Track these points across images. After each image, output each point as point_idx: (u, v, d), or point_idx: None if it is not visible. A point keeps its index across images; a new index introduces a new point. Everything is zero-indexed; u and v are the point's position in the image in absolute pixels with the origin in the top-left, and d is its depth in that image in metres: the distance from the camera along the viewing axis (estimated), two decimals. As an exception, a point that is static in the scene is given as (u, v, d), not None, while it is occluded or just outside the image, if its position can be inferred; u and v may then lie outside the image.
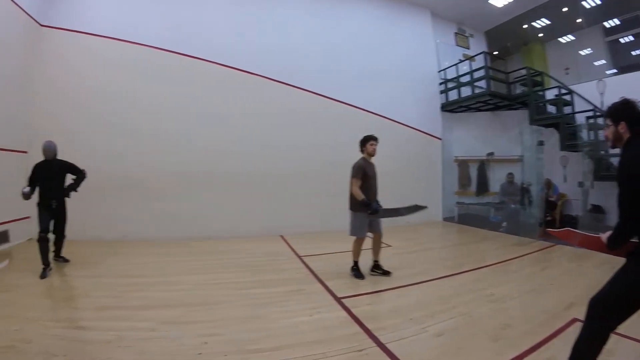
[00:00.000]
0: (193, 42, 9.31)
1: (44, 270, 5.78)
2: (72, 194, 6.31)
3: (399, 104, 10.97)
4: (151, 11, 9.34)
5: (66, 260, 6.60)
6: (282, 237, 8.70)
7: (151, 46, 9.15)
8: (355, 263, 5.49)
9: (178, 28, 9.34)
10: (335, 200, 8.90)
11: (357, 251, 5.46)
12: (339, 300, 4.36)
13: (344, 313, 3.94)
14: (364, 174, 5.36)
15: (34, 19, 8.43)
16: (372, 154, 5.59)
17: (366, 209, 5.17)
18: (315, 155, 9.65)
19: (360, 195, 5.17)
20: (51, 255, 6.22)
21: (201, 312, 4.24)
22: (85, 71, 8.94)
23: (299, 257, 6.58)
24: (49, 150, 6.12)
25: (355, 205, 5.32)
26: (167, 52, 9.19)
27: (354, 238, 5.46)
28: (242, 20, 9.73)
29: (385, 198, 5.76)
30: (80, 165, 6.41)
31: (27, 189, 5.86)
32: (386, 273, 5.49)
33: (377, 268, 5.56)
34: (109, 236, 8.61)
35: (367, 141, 5.59)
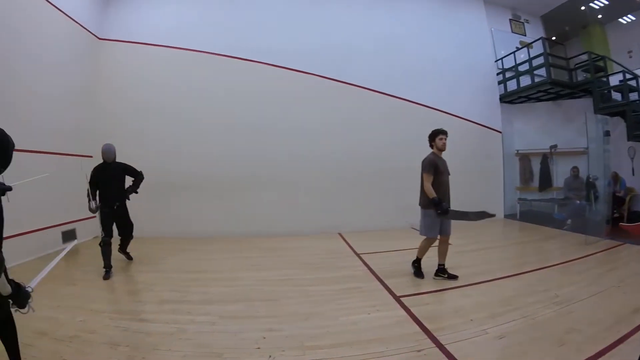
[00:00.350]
0: (247, 46, 9.52)
1: (106, 272, 5.93)
2: (135, 197, 6.45)
3: (455, 97, 10.53)
4: (205, 18, 9.74)
5: (130, 258, 6.85)
6: (340, 234, 8.64)
7: (207, 52, 9.58)
8: (418, 260, 5.25)
9: (232, 32, 9.62)
10: (392, 198, 8.93)
11: (423, 248, 5.20)
12: (397, 299, 4.27)
13: (402, 312, 3.86)
14: (436, 169, 5.04)
15: (93, 34, 9.27)
16: (442, 149, 5.22)
17: (436, 207, 4.88)
18: (372, 152, 9.48)
19: (432, 193, 4.87)
20: (116, 248, 6.46)
21: (260, 307, 4.28)
22: (143, 78, 9.62)
23: (357, 255, 6.51)
24: (109, 152, 6.22)
25: (426, 202, 5.03)
26: (224, 57, 9.54)
27: (423, 237, 5.20)
28: (295, 20, 9.76)
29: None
30: (139, 167, 6.58)
31: (93, 204, 5.97)
32: (452, 277, 5.06)
33: (442, 272, 5.13)
34: (171, 233, 9.06)
35: (436, 135, 5.22)
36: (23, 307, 2.67)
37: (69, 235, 8.00)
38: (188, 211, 9.27)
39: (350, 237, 8.15)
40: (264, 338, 3.41)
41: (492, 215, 5.52)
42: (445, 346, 3.10)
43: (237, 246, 7.90)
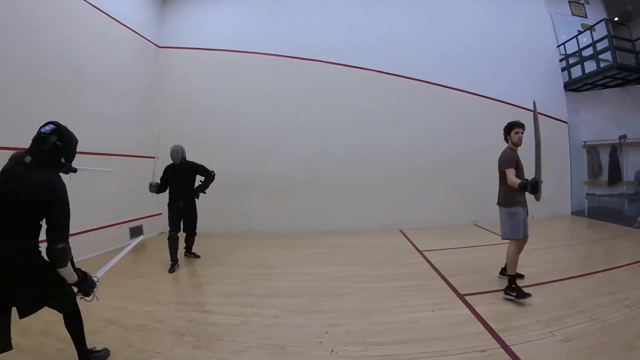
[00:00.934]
0: (298, 44, 9.67)
1: (172, 265, 6.26)
2: (201, 195, 6.67)
3: (516, 87, 9.79)
4: (256, 20, 10.03)
5: (197, 257, 7.08)
6: (401, 231, 8.52)
7: (261, 53, 9.87)
8: (513, 278, 4.26)
9: (284, 32, 9.82)
10: (454, 193, 8.74)
11: (514, 256, 4.38)
12: (462, 297, 4.20)
13: (466, 311, 3.79)
14: (517, 164, 4.53)
15: (153, 43, 10.02)
16: (517, 144, 4.65)
17: (530, 189, 4.13)
18: (432, 146, 9.24)
19: (516, 181, 4.25)
20: (182, 251, 6.75)
21: (323, 302, 4.34)
22: (201, 82, 10.11)
23: (420, 252, 6.43)
24: (176, 153, 6.45)
25: (510, 198, 4.49)
26: (276, 57, 9.77)
27: (506, 241, 4.58)
28: (350, 17, 9.69)
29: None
30: (209, 166, 6.74)
31: (154, 182, 6.33)
32: (518, 276, 4.62)
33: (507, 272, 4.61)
34: (236, 230, 9.45)
35: (512, 128, 4.69)
36: (88, 294, 2.94)
37: (136, 231, 8.54)
38: (251, 209, 9.62)
39: (412, 234, 8.03)
40: (327, 333, 3.47)
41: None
42: (511, 347, 3.02)
43: (299, 243, 8.05)
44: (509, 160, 4.51)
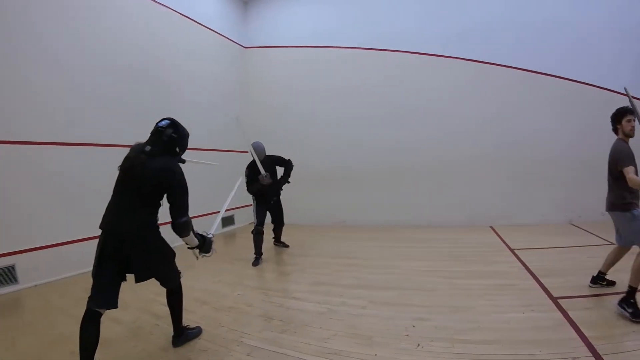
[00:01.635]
0: (385, 36, 9.46)
1: (256, 259, 6.49)
2: (289, 187, 6.93)
3: (624, 70, 8.11)
4: (340, 14, 10.04)
5: (286, 246, 7.43)
6: (491, 228, 8.12)
7: (347, 47, 9.89)
8: (633, 292, 3.52)
9: (370, 25, 9.67)
10: (548, 190, 8.17)
11: None
12: (554, 300, 3.97)
13: (559, 315, 3.58)
14: (633, 160, 3.74)
15: (239, 44, 10.91)
16: (630, 134, 3.88)
17: None
18: (526, 139, 8.37)
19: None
20: (270, 241, 7.17)
21: (411, 296, 4.35)
22: (287, 78, 10.58)
23: (511, 250, 6.17)
24: (257, 150, 6.60)
25: (628, 200, 3.78)
26: (362, 50, 9.71)
27: (627, 249, 4.03)
28: (434, 3, 9.16)
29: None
30: (300, 160, 7.11)
31: (266, 173, 6.44)
32: (611, 283, 4.22)
33: (601, 280, 4.23)
34: (323, 222, 9.73)
35: (623, 116, 3.91)
36: (208, 252, 3.43)
37: (228, 221, 9.21)
38: (338, 201, 9.82)
39: (503, 230, 7.66)
40: (414, 326, 3.49)
41: None
42: (603, 357, 2.81)
43: (386, 235, 8.08)
44: (628, 157, 3.76)
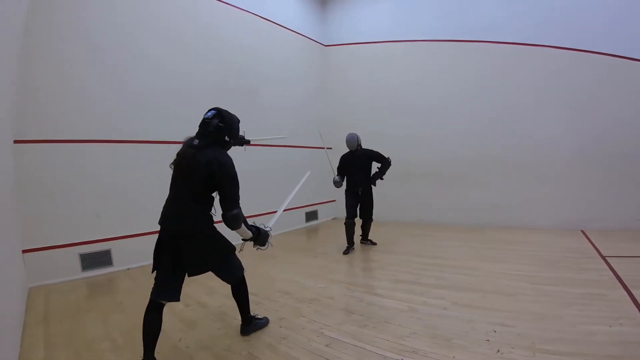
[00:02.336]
0: (464, 26, 9.18)
1: (347, 248, 6.87)
2: (378, 181, 6.94)
3: None
4: (420, 7, 9.85)
5: (373, 244, 7.44)
6: (582, 232, 7.57)
7: (425, 40, 9.78)
8: None
9: (450, 16, 9.43)
10: None
11: None
12: None
13: None
14: None
15: (320, 43, 11.32)
16: None
17: None
18: (628, 132, 7.47)
19: None
20: (357, 238, 7.20)
21: (494, 300, 4.29)
22: (367, 73, 10.76)
23: (603, 257, 5.80)
24: (351, 141, 6.87)
25: None
26: (445, 42, 9.51)
27: None
28: None
29: None
30: (393, 154, 7.04)
31: (338, 177, 6.78)
32: None
33: None
34: (408, 219, 9.80)
35: None
36: (263, 244, 3.49)
37: (311, 216, 9.54)
38: (423, 198, 9.79)
39: (595, 235, 7.16)
40: (495, 332, 3.46)
41: None
42: None
43: (471, 236, 7.94)
44: None
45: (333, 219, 10.84)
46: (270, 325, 3.93)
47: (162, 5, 7.36)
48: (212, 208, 3.29)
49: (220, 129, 3.27)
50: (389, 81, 10.41)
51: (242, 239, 3.46)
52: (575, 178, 7.94)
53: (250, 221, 3.43)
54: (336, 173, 6.98)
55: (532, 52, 8.28)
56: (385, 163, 6.90)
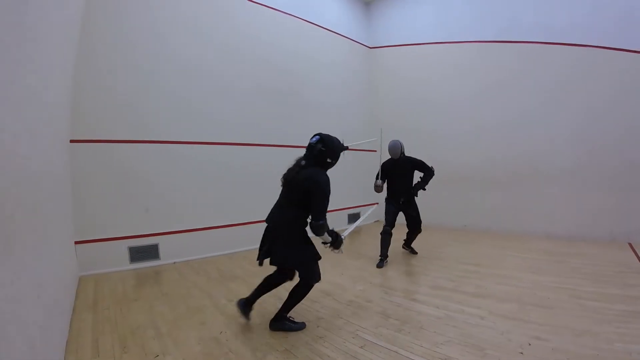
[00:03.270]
0: (520, 27, 8.82)
1: (381, 260, 6.52)
2: (420, 191, 6.85)
3: None
4: (463, 8, 9.77)
5: (414, 252, 7.29)
6: (630, 245, 7.22)
7: (470, 41, 9.64)
8: None
9: (492, 17, 9.26)
10: None
11: None
12: None
13: None
14: None
15: (365, 45, 11.46)
16: None
17: None
18: None
19: None
20: (396, 243, 7.17)
21: (532, 312, 4.25)
22: (413, 75, 10.74)
23: None
24: (394, 148, 6.68)
25: None
26: (495, 43, 9.28)
27: None
28: None
29: None
30: (427, 158, 6.94)
31: (379, 182, 6.69)
32: None
33: None
34: (451, 224, 9.75)
35: None
36: (337, 248, 4.11)
37: (354, 217, 9.73)
38: (467, 203, 9.69)
39: None
40: (530, 345, 3.46)
41: None
42: None
43: (514, 244, 7.80)
44: None
45: (375, 221, 10.88)
46: (308, 324, 4.07)
47: (202, 9, 7.68)
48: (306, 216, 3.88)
49: (322, 153, 3.91)
50: (434, 82, 10.36)
51: (323, 242, 4.09)
52: (624, 186, 7.58)
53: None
54: (378, 180, 6.76)
55: (591, 53, 7.87)
56: (429, 172, 6.74)
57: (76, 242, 5.96)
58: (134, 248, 6.58)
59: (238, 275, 6.17)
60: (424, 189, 6.84)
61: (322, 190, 3.73)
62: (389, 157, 6.85)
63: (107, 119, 6.38)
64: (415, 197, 6.86)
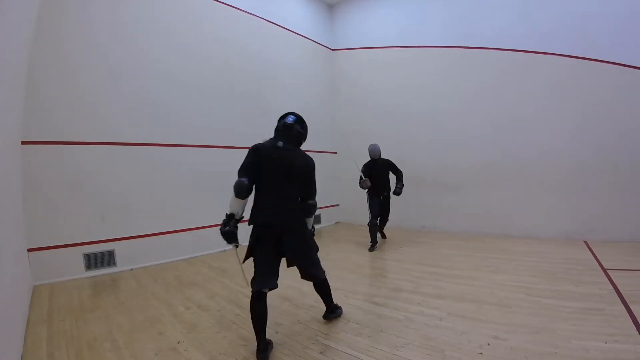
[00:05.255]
0: (474, 33, 9.02)
1: (372, 246, 7.70)
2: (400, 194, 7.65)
3: None
4: (428, 13, 9.81)
5: (384, 237, 8.66)
6: (585, 242, 7.38)
7: (433, 46, 9.71)
8: None
9: (458, 23, 9.35)
10: None
11: None
12: None
13: None
14: None
15: (327, 47, 11.51)
16: None
17: None
18: (625, 141, 7.28)
19: None
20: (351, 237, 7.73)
21: (490, 311, 4.28)
22: (377, 77, 10.81)
23: (604, 269, 5.68)
24: (375, 151, 7.67)
25: None
26: (451, 48, 9.44)
27: None
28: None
29: None
30: (397, 161, 7.75)
31: (367, 180, 7.38)
32: None
33: None
34: (409, 225, 9.84)
35: None
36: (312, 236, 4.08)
37: (314, 220, 9.87)
38: (426, 204, 9.85)
39: (598, 247, 7.01)
40: (489, 344, 3.46)
41: None
42: None
43: (473, 244, 7.92)
44: None
45: (336, 223, 10.84)
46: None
47: (166, 8, 7.51)
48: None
49: (301, 135, 3.83)
50: (394, 86, 10.43)
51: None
52: (577, 187, 7.81)
53: None
54: (363, 178, 7.60)
55: (541, 60, 8.13)
56: (401, 174, 7.88)
57: (29, 250, 5.65)
58: (90, 255, 6.26)
59: (196, 281, 5.99)
60: (401, 191, 7.82)
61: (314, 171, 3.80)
62: (369, 158, 7.77)
63: (59, 120, 6.07)
64: (397, 194, 7.79)
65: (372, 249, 7.66)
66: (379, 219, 7.89)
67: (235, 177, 3.47)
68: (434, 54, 9.74)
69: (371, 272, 6.38)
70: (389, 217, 8.20)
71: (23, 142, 5.60)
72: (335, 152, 9.85)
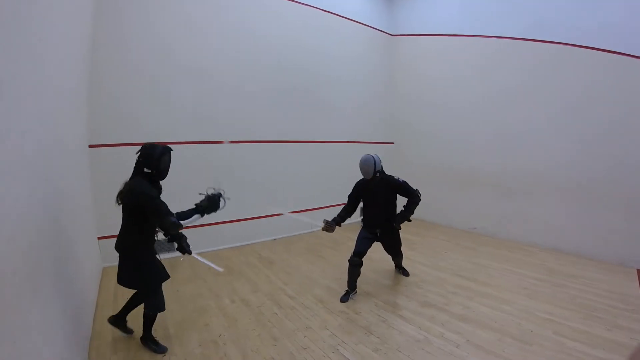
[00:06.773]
0: (544, 27, 8.09)
1: (347, 293, 5.48)
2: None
3: None
4: (491, 3, 9.06)
5: (406, 274, 6.45)
6: (638, 272, 6.49)
7: (496, 36, 8.99)
8: None
9: (523, 15, 8.49)
10: None
11: None
12: None
13: None
14: None
15: (386, 33, 11.28)
16: None
17: None
18: None
19: None
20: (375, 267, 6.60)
21: (509, 347, 4.16)
22: (435, 67, 10.40)
23: None
24: (366, 166, 5.49)
25: None
26: (516, 40, 8.64)
27: None
28: None
29: None
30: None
31: (327, 221, 5.62)
32: None
33: None
34: (459, 225, 9.70)
35: None
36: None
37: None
38: (477, 206, 9.49)
39: None
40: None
41: None
42: None
43: (518, 255, 7.56)
44: None
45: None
46: (297, 333, 4.37)
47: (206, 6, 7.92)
48: None
49: (139, 162, 3.89)
50: (461, 80, 9.93)
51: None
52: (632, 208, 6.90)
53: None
54: (328, 219, 5.62)
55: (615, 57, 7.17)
56: (413, 198, 5.51)
57: (99, 238, 6.51)
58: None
59: (244, 272, 6.80)
60: (409, 220, 5.65)
61: (147, 195, 3.75)
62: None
63: (122, 123, 6.95)
64: (397, 227, 5.70)
65: (344, 298, 5.40)
66: (391, 256, 6.21)
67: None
68: (496, 44, 9.05)
69: (407, 279, 6.34)
70: (401, 252, 6.20)
71: (90, 146, 6.47)
72: (392, 143, 9.77)
